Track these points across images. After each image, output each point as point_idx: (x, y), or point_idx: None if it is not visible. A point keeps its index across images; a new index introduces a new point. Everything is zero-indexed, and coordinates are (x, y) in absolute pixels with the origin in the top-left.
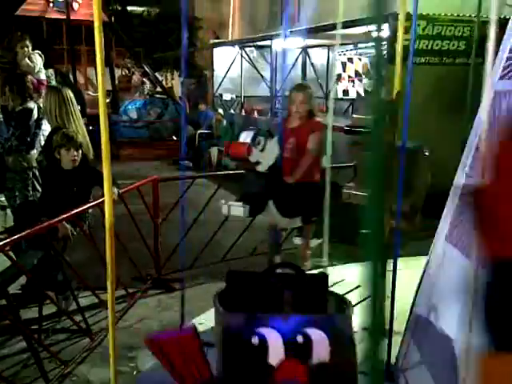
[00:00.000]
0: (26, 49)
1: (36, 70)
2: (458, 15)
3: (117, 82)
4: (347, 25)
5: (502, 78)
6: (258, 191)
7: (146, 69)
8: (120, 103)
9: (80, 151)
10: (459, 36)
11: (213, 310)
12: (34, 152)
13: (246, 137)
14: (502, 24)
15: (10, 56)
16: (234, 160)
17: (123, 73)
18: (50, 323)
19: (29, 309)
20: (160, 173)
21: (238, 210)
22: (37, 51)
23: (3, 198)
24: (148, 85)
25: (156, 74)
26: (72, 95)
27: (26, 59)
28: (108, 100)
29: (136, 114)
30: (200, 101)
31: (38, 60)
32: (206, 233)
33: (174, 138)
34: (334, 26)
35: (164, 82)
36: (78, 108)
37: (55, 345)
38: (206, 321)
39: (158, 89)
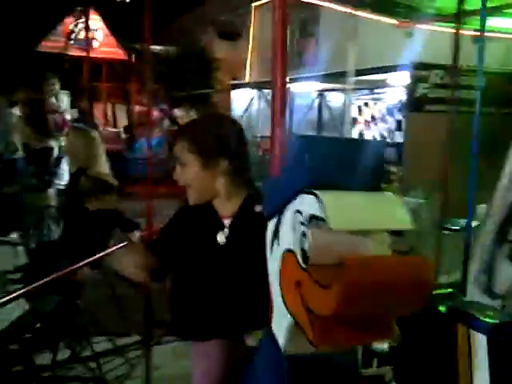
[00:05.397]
0: (53, 87)
1: (61, 110)
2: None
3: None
4: (364, 72)
5: None
6: None
7: (164, 106)
8: (137, 139)
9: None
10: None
11: None
12: (52, 191)
13: None
14: None
15: (34, 94)
16: None
17: (140, 109)
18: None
19: (40, 354)
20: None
21: None
22: (65, 91)
23: (14, 235)
24: (166, 121)
25: (175, 110)
26: (98, 137)
27: (53, 98)
28: (124, 136)
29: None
30: None
31: (64, 100)
32: None
33: None
34: (351, 72)
35: (182, 120)
36: (104, 150)
37: None
38: None
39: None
